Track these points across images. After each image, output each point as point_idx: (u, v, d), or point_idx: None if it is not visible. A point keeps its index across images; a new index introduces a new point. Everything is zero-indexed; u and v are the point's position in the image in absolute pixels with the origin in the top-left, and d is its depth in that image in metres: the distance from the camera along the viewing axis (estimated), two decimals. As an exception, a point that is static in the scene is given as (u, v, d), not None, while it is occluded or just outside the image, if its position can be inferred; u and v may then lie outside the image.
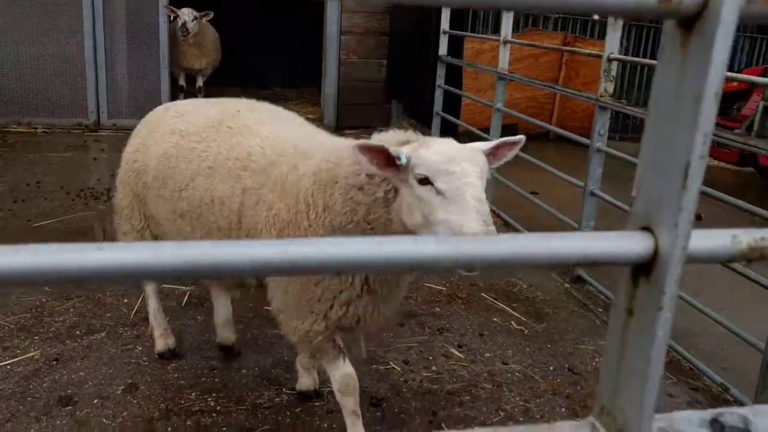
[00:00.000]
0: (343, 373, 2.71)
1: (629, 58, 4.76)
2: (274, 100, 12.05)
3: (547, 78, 10.65)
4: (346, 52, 9.29)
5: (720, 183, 9.29)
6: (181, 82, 9.93)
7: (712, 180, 9.51)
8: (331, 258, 0.71)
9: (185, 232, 2.94)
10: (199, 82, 10.03)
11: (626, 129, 13.14)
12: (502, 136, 6.41)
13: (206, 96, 10.38)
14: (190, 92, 10.06)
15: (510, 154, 2.43)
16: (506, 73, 5.82)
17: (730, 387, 3.44)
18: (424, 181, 2.14)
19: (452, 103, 7.79)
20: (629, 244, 0.80)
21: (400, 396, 3.34)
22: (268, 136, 2.84)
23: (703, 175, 0.75)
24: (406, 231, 2.26)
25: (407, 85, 8.95)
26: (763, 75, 9.35)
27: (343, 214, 2.39)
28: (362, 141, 2.24)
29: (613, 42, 4.21)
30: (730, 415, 0.91)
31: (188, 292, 4.32)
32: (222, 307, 3.60)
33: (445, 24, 7.13)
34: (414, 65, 8.62)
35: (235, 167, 2.76)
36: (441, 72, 7.27)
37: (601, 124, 4.33)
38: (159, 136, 3.11)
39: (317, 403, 3.25)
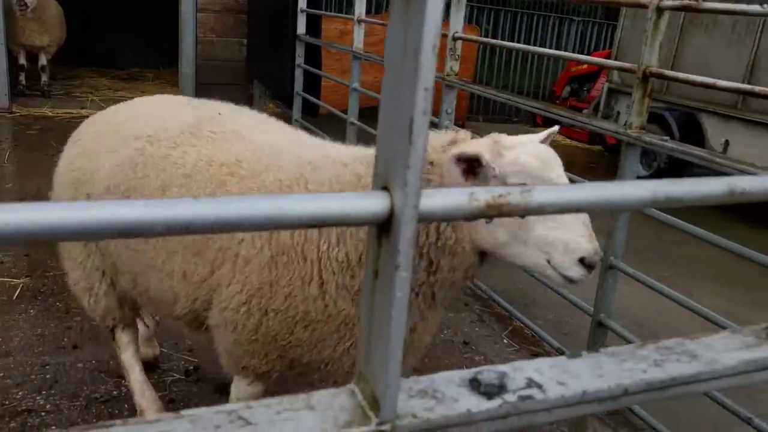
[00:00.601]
0: (256, 391, 2.40)
1: (473, 37, 4.92)
2: (131, 80, 11.39)
3: (410, 60, 10.77)
4: (203, 30, 8.95)
5: (572, 161, 9.85)
6: (22, 60, 9.19)
7: (565, 158, 10.08)
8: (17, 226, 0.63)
9: (145, 260, 2.36)
10: (42, 61, 9.32)
11: (488, 110, 13.65)
12: (362, 116, 6.46)
13: (52, 77, 9.69)
14: (33, 71, 9.35)
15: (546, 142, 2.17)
16: (361, 52, 5.82)
17: (566, 350, 3.64)
18: None
19: (313, 84, 7.72)
20: (367, 203, 0.78)
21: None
22: (264, 145, 2.36)
23: (427, 131, 0.74)
24: (478, 255, 1.97)
25: (268, 65, 8.76)
26: (608, 58, 9.96)
27: None
28: (460, 151, 1.85)
29: (457, 21, 4.30)
30: (488, 372, 0.91)
31: (21, 285, 4.00)
32: (146, 323, 3.23)
33: (302, 2, 7.02)
34: (273, 45, 8.45)
35: (219, 173, 2.26)
36: (300, 51, 7.17)
37: (448, 102, 4.42)
38: (114, 140, 2.56)
39: (159, 393, 3.11)
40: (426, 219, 0.79)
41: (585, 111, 10.55)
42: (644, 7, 2.84)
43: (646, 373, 0.96)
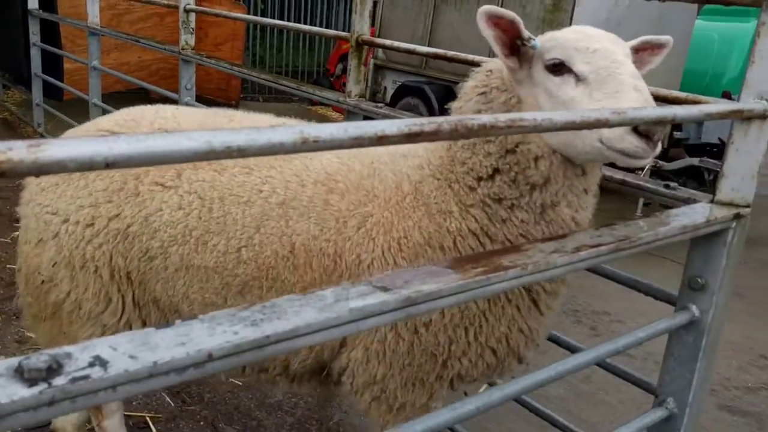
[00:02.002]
0: None
1: (205, 9, 4.73)
2: None
3: (176, 39, 10.25)
4: None
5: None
6: None
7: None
8: None
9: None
10: None
11: (266, 90, 13.47)
12: (124, 101, 5.95)
13: None
14: None
15: (655, 61, 1.91)
16: (97, 27, 5.37)
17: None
18: (558, 67, 1.66)
19: (55, 65, 7.03)
20: None
21: None
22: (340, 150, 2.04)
23: None
24: (550, 154, 1.75)
25: (0, 45, 7.82)
26: (373, 36, 10.24)
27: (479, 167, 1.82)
28: (491, 6, 1.67)
29: (188, -7, 4.10)
30: (38, 356, 0.81)
31: None
32: None
33: (31, -27, 6.34)
34: (3, 21, 7.54)
35: (318, 193, 2.03)
36: (35, 28, 6.49)
37: (187, 78, 4.22)
38: (159, 171, 2.12)
39: None
40: None
41: (355, 87, 10.79)
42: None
43: (237, 334, 0.91)
